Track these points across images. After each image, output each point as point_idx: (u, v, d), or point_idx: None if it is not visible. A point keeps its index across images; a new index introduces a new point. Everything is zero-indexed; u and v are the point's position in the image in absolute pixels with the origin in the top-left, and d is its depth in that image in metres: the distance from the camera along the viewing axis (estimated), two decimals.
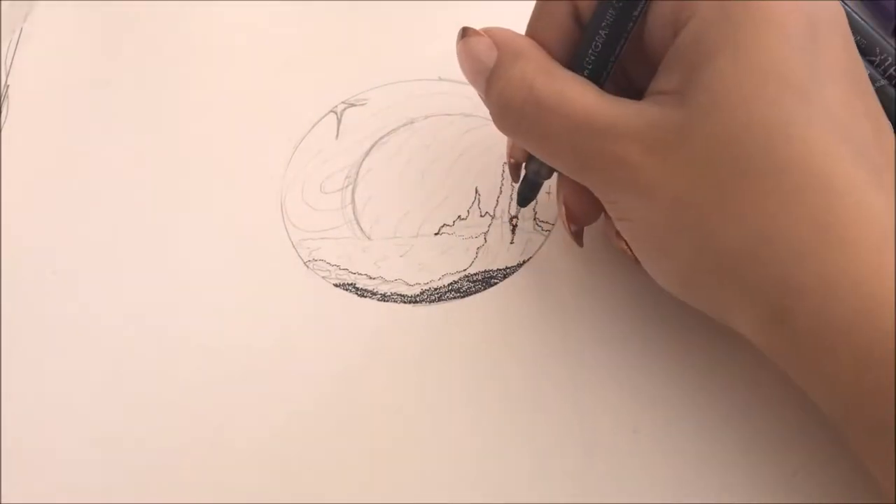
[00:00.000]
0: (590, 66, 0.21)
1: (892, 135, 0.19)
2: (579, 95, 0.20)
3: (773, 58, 0.18)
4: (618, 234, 0.24)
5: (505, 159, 0.29)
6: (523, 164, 0.25)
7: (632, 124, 0.19)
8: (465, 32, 0.22)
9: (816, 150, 0.17)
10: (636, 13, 0.20)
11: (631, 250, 0.23)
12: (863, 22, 0.31)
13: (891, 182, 0.18)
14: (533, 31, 0.22)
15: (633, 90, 0.22)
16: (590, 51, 0.21)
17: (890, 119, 0.28)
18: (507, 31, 0.22)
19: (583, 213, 0.24)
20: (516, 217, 0.28)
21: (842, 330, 0.17)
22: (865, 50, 0.30)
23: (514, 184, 0.27)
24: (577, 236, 0.25)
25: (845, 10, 0.31)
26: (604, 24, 0.20)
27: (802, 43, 0.18)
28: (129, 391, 0.26)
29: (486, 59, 0.22)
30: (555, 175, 0.25)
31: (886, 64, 0.29)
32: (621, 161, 0.20)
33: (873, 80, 0.29)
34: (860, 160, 0.18)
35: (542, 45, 0.22)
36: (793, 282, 0.18)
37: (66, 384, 0.26)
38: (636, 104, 0.20)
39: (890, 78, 0.29)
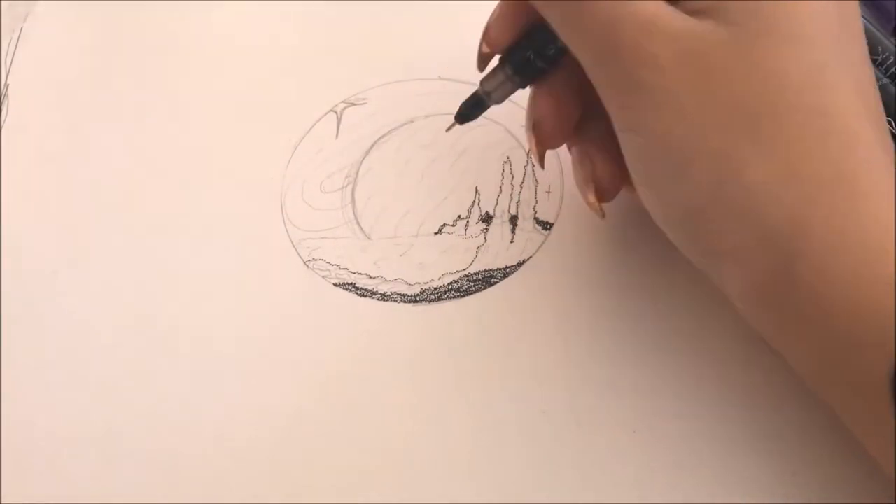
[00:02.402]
0: None
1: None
2: None
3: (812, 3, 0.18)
4: (586, 172, 0.23)
5: (504, 158, 0.29)
6: (485, 77, 0.24)
7: (673, 25, 0.19)
8: None
9: (842, 100, 0.18)
10: None
11: (598, 201, 0.23)
12: (864, 21, 0.31)
13: (889, 144, 0.19)
14: None
15: None
16: None
17: (891, 116, 0.28)
18: None
19: (557, 126, 0.23)
20: (516, 217, 0.28)
21: (842, 276, 0.17)
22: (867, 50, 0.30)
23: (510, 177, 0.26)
24: (542, 158, 0.24)
25: None
26: None
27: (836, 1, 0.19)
28: (128, 391, 0.26)
29: None
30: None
31: (888, 63, 0.29)
32: (656, 63, 0.19)
33: (877, 80, 0.29)
34: (871, 118, 0.18)
35: None
36: (807, 223, 0.18)
37: (65, 384, 0.26)
38: (680, 11, 0.19)
39: (892, 77, 0.29)
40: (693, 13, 0.19)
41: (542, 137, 0.23)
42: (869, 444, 0.19)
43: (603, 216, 0.24)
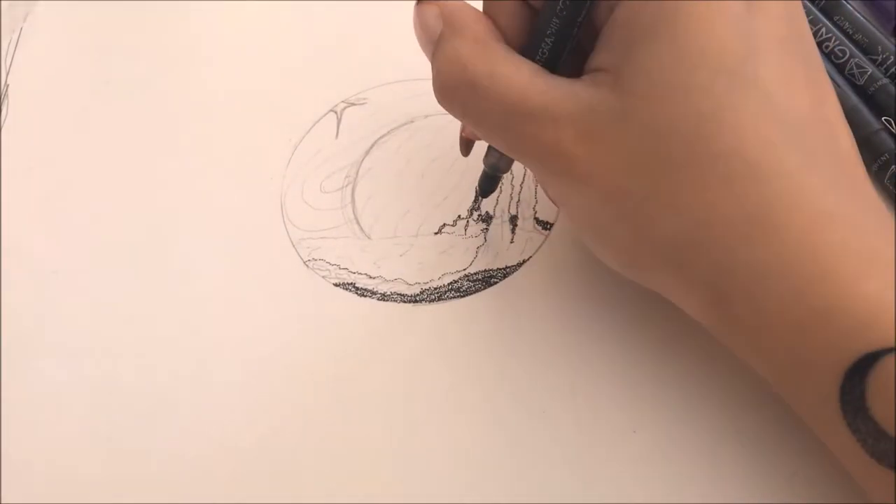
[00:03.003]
0: (544, 56, 0.20)
1: (835, 100, 0.19)
2: (512, 75, 0.20)
3: (708, 37, 0.17)
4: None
5: None
6: (483, 155, 0.25)
7: (566, 108, 0.19)
8: None
9: (748, 137, 0.17)
10: (585, 8, 0.20)
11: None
12: (864, 20, 0.31)
13: (825, 158, 0.18)
14: (487, 10, 0.22)
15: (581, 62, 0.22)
16: (543, 41, 0.20)
17: (891, 116, 0.28)
18: (459, 2, 0.21)
19: None
20: (516, 217, 0.28)
21: (775, 311, 0.18)
22: (867, 48, 0.30)
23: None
24: (466, 144, 0.26)
25: (849, 8, 0.31)
26: (556, 15, 0.20)
27: (738, 12, 0.18)
28: (128, 391, 0.26)
29: (433, 30, 0.21)
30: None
31: (888, 63, 0.29)
32: (555, 148, 0.19)
33: (875, 80, 0.29)
34: (793, 141, 0.18)
35: (497, 27, 0.21)
36: (727, 267, 0.18)
37: (65, 384, 0.26)
38: (572, 84, 0.19)
39: (892, 77, 0.29)
40: (594, 84, 0.19)
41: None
42: (830, 446, 0.19)
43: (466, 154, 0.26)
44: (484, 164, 0.25)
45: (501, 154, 0.24)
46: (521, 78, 0.19)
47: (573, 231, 0.22)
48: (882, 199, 0.27)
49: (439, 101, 0.22)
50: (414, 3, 0.22)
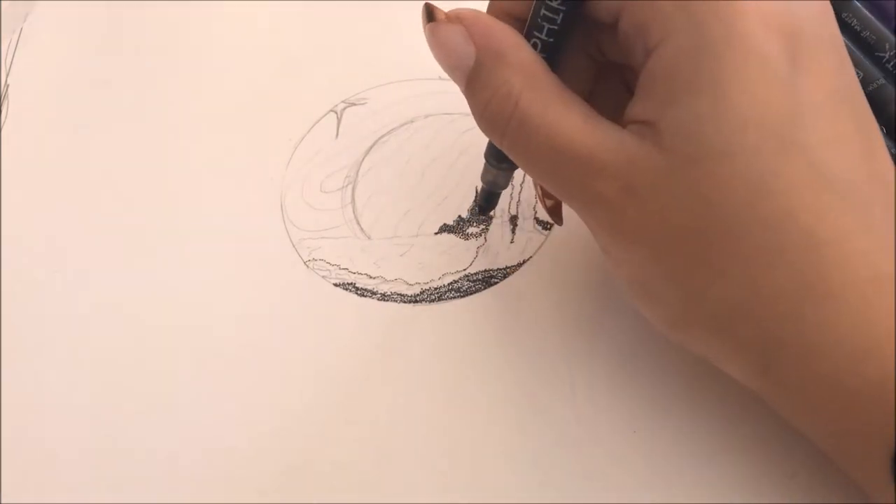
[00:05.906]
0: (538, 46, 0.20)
1: (884, 148, 0.18)
2: (563, 117, 0.19)
3: (752, 98, 0.17)
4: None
5: None
6: (482, 173, 0.25)
7: (610, 159, 0.18)
8: (432, 15, 0.20)
9: (799, 203, 0.17)
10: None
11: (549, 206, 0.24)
12: (871, 18, 0.30)
13: (878, 216, 0.17)
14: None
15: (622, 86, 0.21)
16: (534, 26, 0.19)
17: (890, 115, 0.28)
18: (481, 18, 0.20)
19: None
20: (516, 217, 0.28)
21: (826, 381, 0.17)
22: (875, 46, 0.30)
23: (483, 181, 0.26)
24: (555, 212, 0.25)
25: (856, 4, 0.31)
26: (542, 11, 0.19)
27: (782, 70, 0.17)
28: (128, 391, 0.26)
29: (463, 56, 0.20)
30: None
31: None
32: (602, 200, 0.19)
33: (871, 80, 0.29)
34: (845, 203, 0.17)
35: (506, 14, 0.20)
36: (778, 337, 0.17)
37: (65, 384, 0.26)
38: (619, 133, 0.18)
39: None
40: (640, 135, 0.18)
41: (547, 192, 0.24)
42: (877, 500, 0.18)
43: (560, 223, 0.26)
44: (482, 180, 0.25)
45: (498, 171, 0.24)
46: (571, 120, 0.19)
47: (622, 285, 0.21)
48: None
49: (484, 131, 0.21)
50: (426, 21, 0.20)
